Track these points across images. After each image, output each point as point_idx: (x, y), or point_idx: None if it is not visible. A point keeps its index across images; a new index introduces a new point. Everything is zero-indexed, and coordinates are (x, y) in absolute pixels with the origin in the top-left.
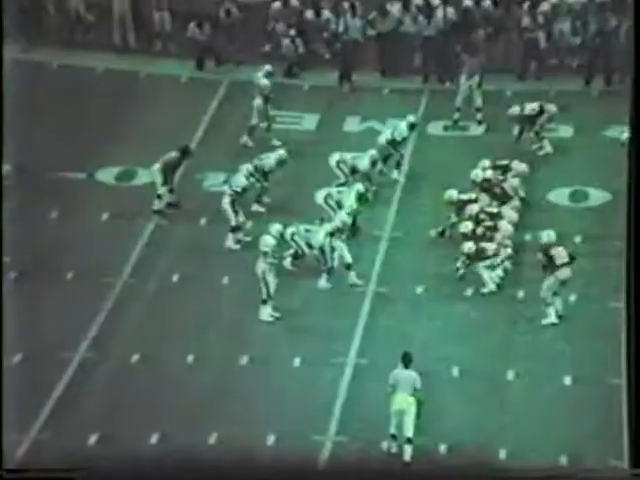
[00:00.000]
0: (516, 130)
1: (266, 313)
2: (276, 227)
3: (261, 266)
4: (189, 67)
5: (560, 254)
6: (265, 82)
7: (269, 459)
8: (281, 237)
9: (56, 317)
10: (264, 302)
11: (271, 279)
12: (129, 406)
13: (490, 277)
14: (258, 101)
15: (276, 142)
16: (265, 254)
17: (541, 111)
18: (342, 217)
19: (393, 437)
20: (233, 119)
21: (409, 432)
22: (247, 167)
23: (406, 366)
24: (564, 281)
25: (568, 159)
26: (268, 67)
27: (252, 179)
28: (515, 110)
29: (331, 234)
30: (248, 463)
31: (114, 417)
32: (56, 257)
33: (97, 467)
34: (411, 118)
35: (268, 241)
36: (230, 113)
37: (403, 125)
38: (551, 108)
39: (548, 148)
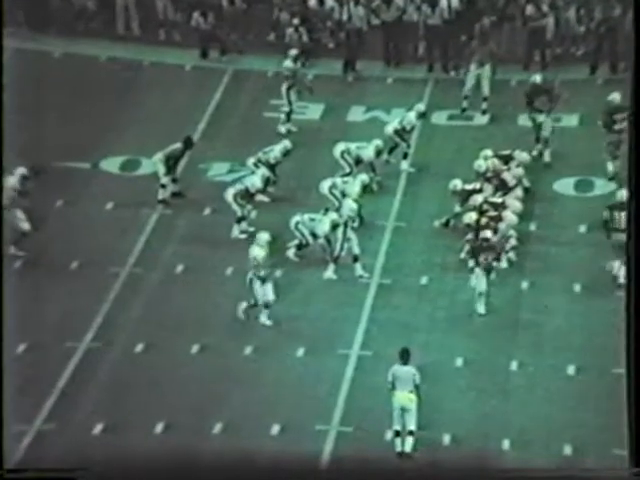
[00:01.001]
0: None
1: (263, 317)
2: (264, 237)
3: (249, 275)
4: (193, 56)
5: (618, 219)
6: (289, 65)
7: (273, 449)
8: (269, 246)
9: (60, 307)
10: (253, 305)
11: (258, 287)
12: (134, 396)
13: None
14: (284, 86)
15: (282, 129)
16: (255, 267)
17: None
18: (351, 206)
19: (397, 434)
20: (237, 108)
21: (411, 426)
22: (263, 171)
23: (405, 362)
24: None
25: (573, 148)
26: (294, 51)
27: (267, 181)
28: (536, 78)
29: (345, 224)
30: (252, 453)
31: (119, 407)
32: (60, 247)
33: (98, 466)
34: (421, 107)
35: (256, 253)
36: (234, 102)
37: (412, 114)
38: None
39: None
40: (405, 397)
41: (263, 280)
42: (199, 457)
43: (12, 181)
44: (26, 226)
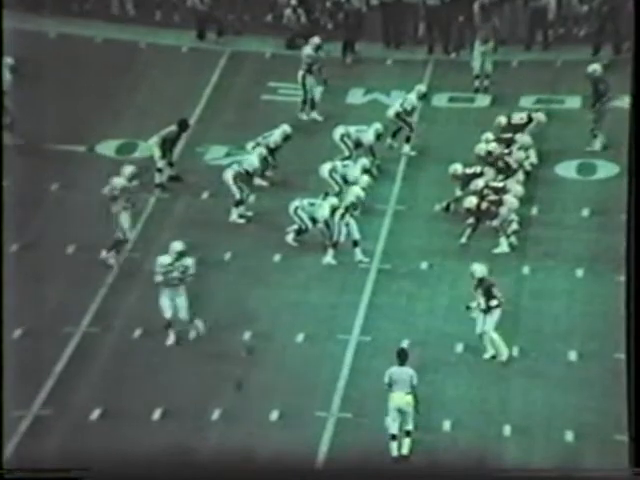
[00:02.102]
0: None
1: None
2: (176, 246)
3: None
4: (190, 37)
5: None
6: (310, 53)
7: (273, 436)
8: (179, 256)
9: (57, 291)
10: (167, 326)
11: (166, 303)
12: (131, 381)
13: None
14: (300, 72)
15: (318, 117)
16: (159, 274)
17: (529, 120)
18: (356, 192)
19: (393, 437)
20: (235, 90)
21: (408, 426)
22: (260, 150)
23: (402, 363)
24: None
25: (576, 131)
26: (316, 39)
27: (264, 162)
28: (502, 121)
29: (345, 209)
30: (251, 439)
31: (116, 393)
32: (57, 231)
33: (94, 457)
34: (422, 88)
35: (161, 260)
36: (231, 84)
37: (412, 95)
38: (540, 116)
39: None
40: (402, 399)
41: (173, 291)
42: (197, 444)
43: (120, 182)
44: (128, 234)
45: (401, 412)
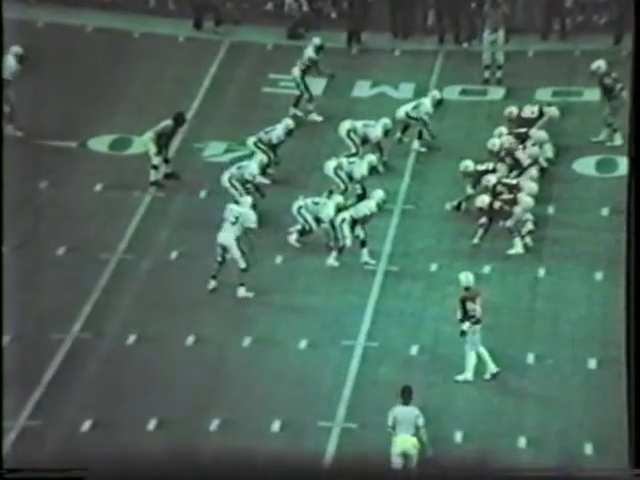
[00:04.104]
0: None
1: None
2: None
3: None
4: (187, 26)
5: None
6: (311, 55)
7: (274, 447)
8: None
9: (47, 295)
10: None
11: None
12: (125, 390)
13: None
14: (297, 71)
15: (316, 118)
16: None
17: (540, 114)
18: (371, 206)
19: None
20: (234, 83)
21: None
22: (261, 157)
23: (406, 402)
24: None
25: (595, 125)
26: (317, 40)
27: (266, 166)
28: (513, 111)
29: (354, 221)
30: (251, 451)
31: (109, 402)
32: (46, 231)
33: (98, 467)
34: (436, 94)
35: None
36: (231, 77)
37: (427, 102)
38: (552, 111)
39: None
40: (407, 441)
41: None
42: (194, 456)
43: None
44: (243, 264)
45: (406, 456)
